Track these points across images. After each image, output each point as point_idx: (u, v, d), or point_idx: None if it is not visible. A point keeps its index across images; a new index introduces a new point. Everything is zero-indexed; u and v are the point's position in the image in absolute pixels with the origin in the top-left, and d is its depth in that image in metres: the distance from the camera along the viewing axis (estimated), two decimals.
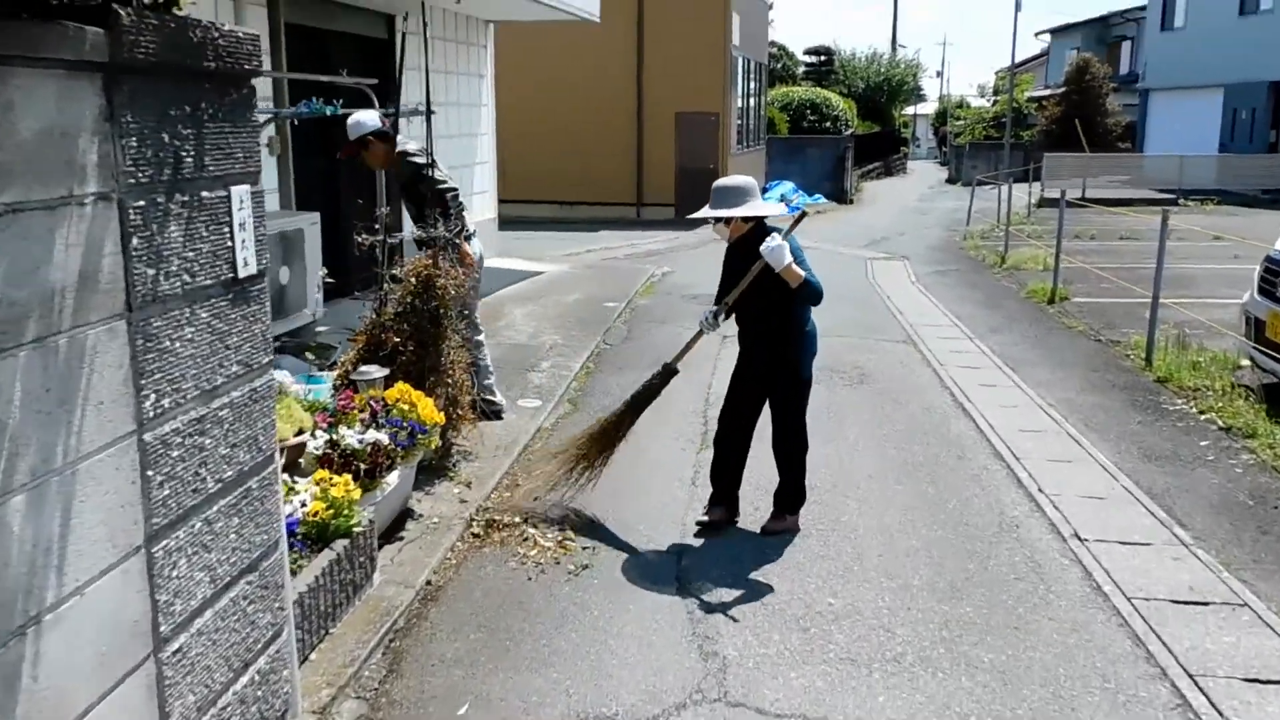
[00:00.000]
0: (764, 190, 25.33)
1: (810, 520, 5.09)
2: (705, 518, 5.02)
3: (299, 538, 3.75)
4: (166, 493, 2.31)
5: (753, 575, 4.48)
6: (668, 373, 4.98)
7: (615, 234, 18.43)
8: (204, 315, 2.45)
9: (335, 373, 5.26)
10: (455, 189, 5.95)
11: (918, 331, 9.72)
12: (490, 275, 12.17)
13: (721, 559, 4.65)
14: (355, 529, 3.94)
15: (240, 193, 2.61)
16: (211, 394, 2.49)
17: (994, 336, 9.58)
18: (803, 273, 4.59)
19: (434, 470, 5.40)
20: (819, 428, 6.56)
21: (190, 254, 2.39)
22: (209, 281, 2.47)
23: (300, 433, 4.62)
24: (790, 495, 5.00)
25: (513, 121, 20.77)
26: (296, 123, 8.02)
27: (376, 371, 4.74)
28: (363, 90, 7.78)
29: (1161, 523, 5.09)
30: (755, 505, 5.14)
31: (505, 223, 20.03)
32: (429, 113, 7.48)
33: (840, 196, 27.19)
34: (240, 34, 2.51)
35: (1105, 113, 31.97)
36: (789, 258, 4.52)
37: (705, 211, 4.73)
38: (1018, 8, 29.36)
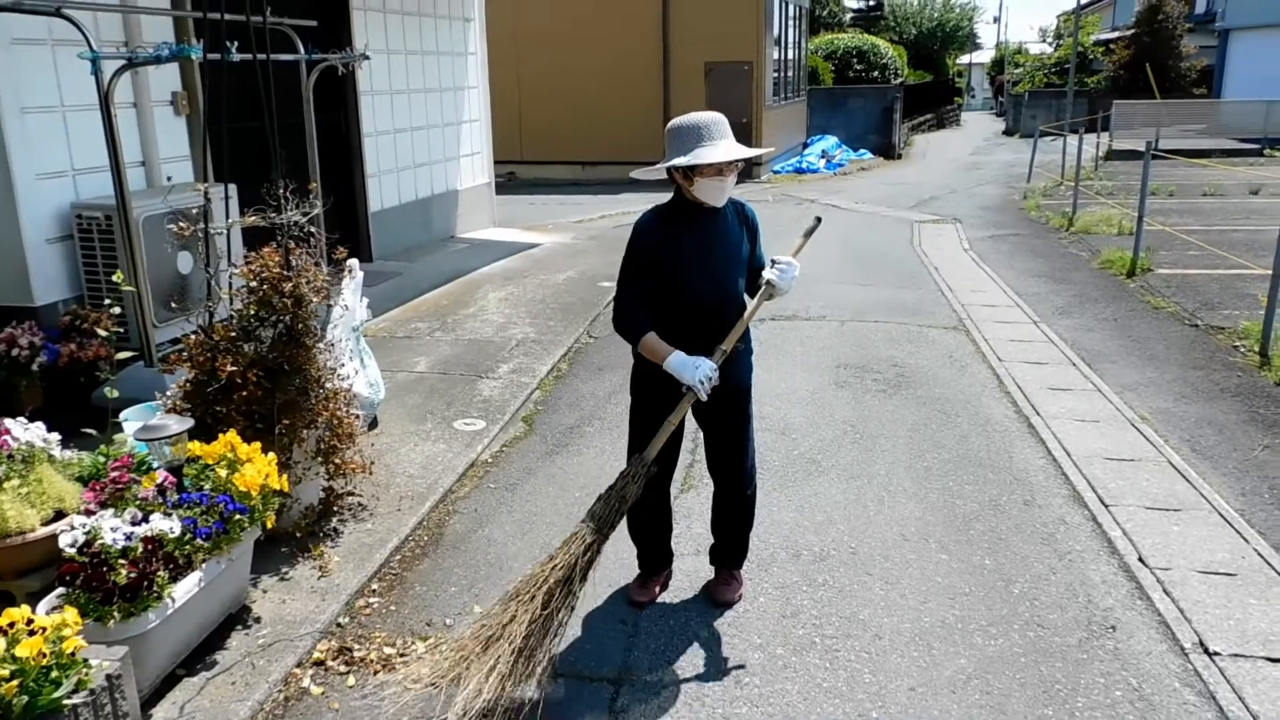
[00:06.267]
0: (804, 145, 23.46)
1: (815, 615, 3.59)
2: (642, 598, 3.66)
3: None
4: None
5: None
6: (645, 471, 3.24)
7: (638, 195, 16.76)
8: None
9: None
10: None
11: (971, 314, 8.05)
12: (476, 250, 10.78)
13: (675, 697, 3.15)
14: (69, 702, 2.50)
15: None
16: None
17: (1064, 320, 7.88)
18: None
19: (302, 541, 3.97)
20: (839, 456, 5.04)
21: None
22: None
23: (59, 516, 3.21)
24: (742, 546, 3.72)
25: (529, 76, 19.23)
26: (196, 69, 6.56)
27: (175, 424, 3.29)
28: (285, 33, 6.32)
29: None
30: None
31: (522, 185, 18.56)
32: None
33: (887, 151, 25.18)
34: None
35: (1179, 56, 29.26)
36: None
37: (727, 154, 3.10)
38: None
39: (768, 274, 3.28)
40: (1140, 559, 3.98)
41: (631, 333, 3.25)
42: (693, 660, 3.34)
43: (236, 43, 4.68)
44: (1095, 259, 10.34)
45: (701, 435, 3.60)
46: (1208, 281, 8.96)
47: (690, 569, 3.89)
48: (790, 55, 22.50)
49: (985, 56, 61.20)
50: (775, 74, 20.67)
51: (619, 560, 3.95)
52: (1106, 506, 4.47)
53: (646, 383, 3.36)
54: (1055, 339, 7.27)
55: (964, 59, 57.11)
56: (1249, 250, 9.74)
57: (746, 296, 3.41)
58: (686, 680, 3.23)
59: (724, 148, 3.12)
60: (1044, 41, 53.47)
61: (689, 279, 3.23)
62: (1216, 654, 3.33)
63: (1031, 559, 4.00)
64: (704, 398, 3.13)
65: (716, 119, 3.17)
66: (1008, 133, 34.59)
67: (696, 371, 3.10)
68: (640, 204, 16.35)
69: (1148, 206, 9.58)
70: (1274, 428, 5.40)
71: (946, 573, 3.89)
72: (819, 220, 3.62)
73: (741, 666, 3.30)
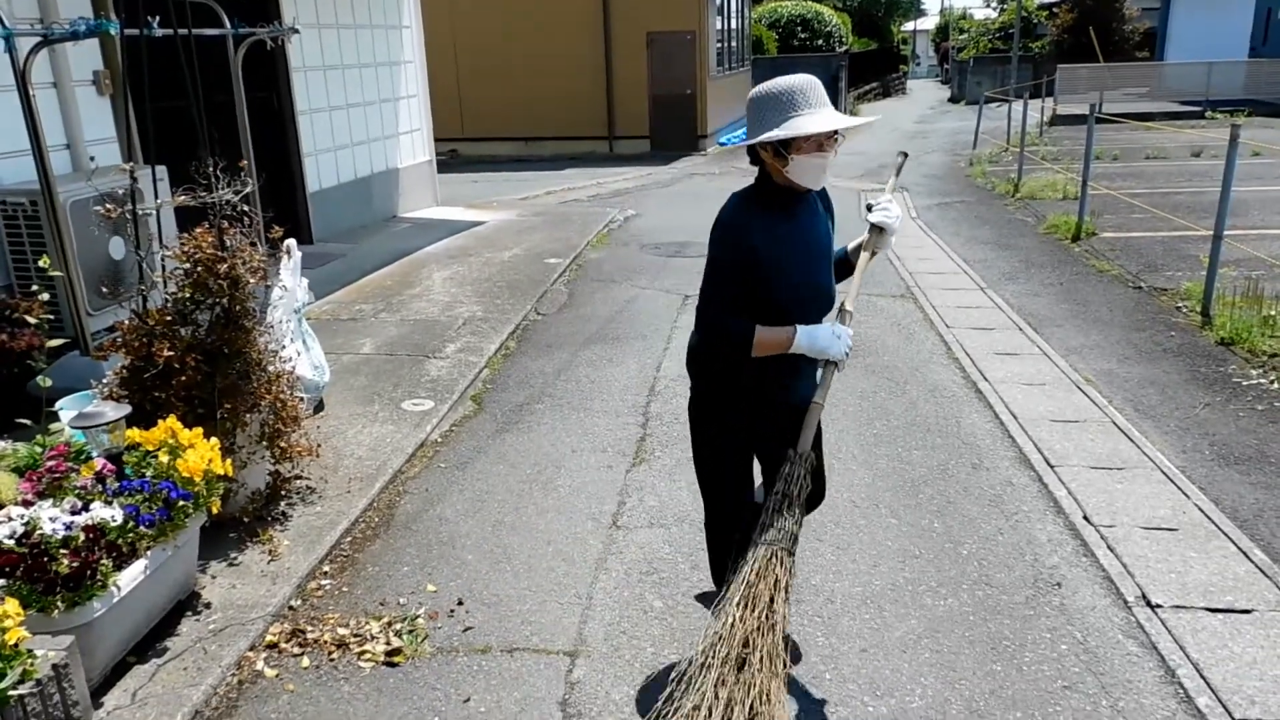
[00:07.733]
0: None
1: None
2: None
3: None
4: None
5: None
6: (807, 465, 2.78)
7: (582, 171, 16.69)
8: None
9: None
10: None
11: (918, 281, 8.13)
12: (420, 229, 10.64)
13: (632, 667, 3.16)
14: (14, 692, 2.45)
15: None
16: None
17: (1010, 286, 7.98)
18: None
19: (250, 526, 3.91)
20: None
21: None
22: None
23: None
24: None
25: (468, 52, 18.96)
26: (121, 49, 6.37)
27: (111, 411, 3.20)
28: (209, 6, 6.14)
29: (1262, 570, 3.60)
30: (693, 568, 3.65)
31: (465, 163, 18.33)
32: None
33: None
34: None
35: (1122, 18, 29.67)
36: None
37: (829, 122, 2.52)
38: None
39: (874, 216, 2.84)
40: (1085, 517, 4.06)
41: (742, 340, 2.64)
42: (647, 630, 3.35)
43: (158, 17, 4.52)
44: (1041, 224, 10.48)
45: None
46: (1151, 244, 9.13)
47: (643, 541, 3.90)
48: (734, 24, 22.42)
49: (930, 23, 61.61)
50: (719, 44, 20.58)
51: (573, 534, 3.95)
52: (1052, 467, 4.54)
53: (719, 404, 2.87)
54: (1002, 305, 7.36)
55: (908, 26, 57.46)
56: (1191, 212, 9.93)
57: None
58: (641, 650, 3.24)
59: (825, 116, 2.55)
60: (988, 6, 53.77)
61: (791, 277, 2.67)
62: (1158, 606, 3.41)
63: (979, 520, 4.06)
64: (842, 368, 2.79)
65: (811, 82, 2.60)
66: (953, 100, 34.86)
67: (839, 342, 2.66)
68: (584, 180, 16.23)
69: (1092, 170, 9.71)
70: (1214, 386, 5.52)
71: (896, 536, 3.94)
72: (905, 155, 3.39)
73: (695, 635, 3.31)
